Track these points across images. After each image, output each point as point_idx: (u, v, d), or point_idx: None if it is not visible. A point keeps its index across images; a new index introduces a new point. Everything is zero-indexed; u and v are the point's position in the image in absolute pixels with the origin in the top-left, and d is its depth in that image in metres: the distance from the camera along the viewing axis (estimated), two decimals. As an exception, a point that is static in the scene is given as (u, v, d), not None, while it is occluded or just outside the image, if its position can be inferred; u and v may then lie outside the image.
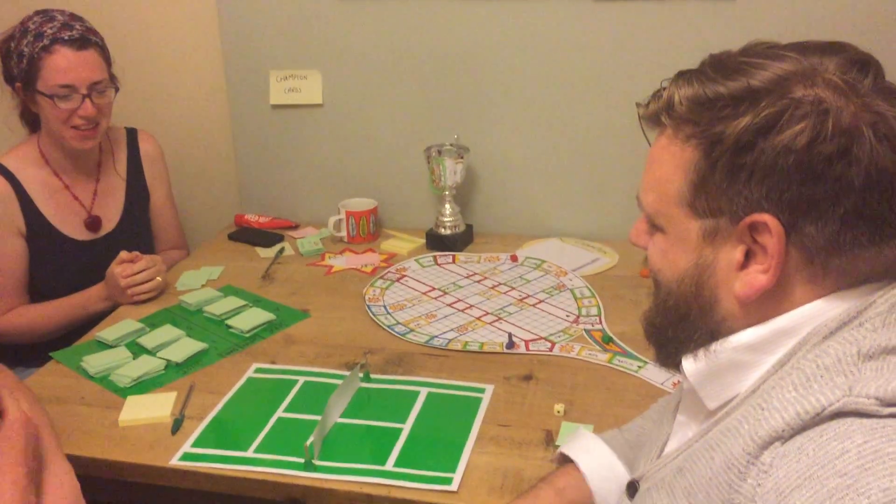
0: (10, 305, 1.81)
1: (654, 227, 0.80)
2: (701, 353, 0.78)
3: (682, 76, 0.75)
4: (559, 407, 1.35)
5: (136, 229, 1.96)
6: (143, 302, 1.78)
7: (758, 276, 0.72)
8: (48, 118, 1.76)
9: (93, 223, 1.88)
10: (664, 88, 0.77)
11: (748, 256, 0.73)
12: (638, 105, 0.80)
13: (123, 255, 1.77)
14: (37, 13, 1.75)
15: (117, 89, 1.82)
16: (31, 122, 1.86)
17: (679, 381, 0.97)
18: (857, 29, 1.75)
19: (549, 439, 1.28)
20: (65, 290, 1.82)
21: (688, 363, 0.79)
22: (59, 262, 1.85)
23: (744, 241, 0.72)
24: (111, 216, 1.92)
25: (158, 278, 1.79)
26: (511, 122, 2.04)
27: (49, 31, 1.70)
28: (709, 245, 0.74)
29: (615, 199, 2.02)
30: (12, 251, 1.79)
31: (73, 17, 1.77)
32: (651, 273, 0.83)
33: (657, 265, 0.81)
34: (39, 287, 1.84)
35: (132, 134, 2.00)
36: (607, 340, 1.57)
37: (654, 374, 1.45)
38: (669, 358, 0.82)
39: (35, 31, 1.71)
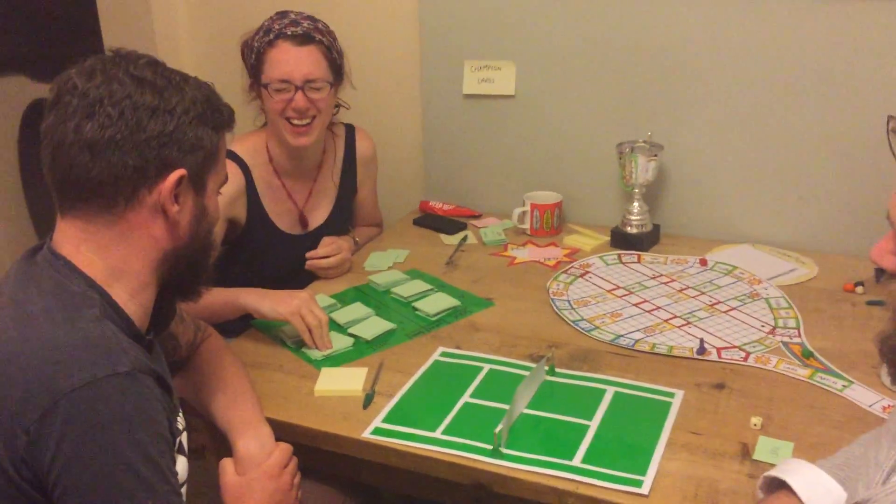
0: None
1: None
2: None
3: None
4: (756, 420, 1.29)
5: (341, 224, 2.00)
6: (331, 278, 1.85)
7: None
8: (268, 110, 1.81)
9: (303, 222, 1.94)
10: None
11: None
12: (891, 118, 0.75)
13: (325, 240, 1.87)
14: (277, 13, 1.81)
15: (333, 86, 1.82)
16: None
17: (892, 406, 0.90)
18: None
19: (746, 453, 1.22)
20: (270, 282, 1.71)
21: None
22: (271, 254, 1.89)
23: None
24: (319, 216, 1.97)
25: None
26: (708, 121, 1.96)
27: (276, 27, 1.77)
28: None
29: (819, 207, 1.91)
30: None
31: (306, 16, 1.81)
32: None
33: None
34: (248, 277, 1.80)
35: (350, 132, 2.02)
36: (807, 355, 1.48)
37: (861, 394, 1.35)
38: None
39: (266, 27, 1.78)
